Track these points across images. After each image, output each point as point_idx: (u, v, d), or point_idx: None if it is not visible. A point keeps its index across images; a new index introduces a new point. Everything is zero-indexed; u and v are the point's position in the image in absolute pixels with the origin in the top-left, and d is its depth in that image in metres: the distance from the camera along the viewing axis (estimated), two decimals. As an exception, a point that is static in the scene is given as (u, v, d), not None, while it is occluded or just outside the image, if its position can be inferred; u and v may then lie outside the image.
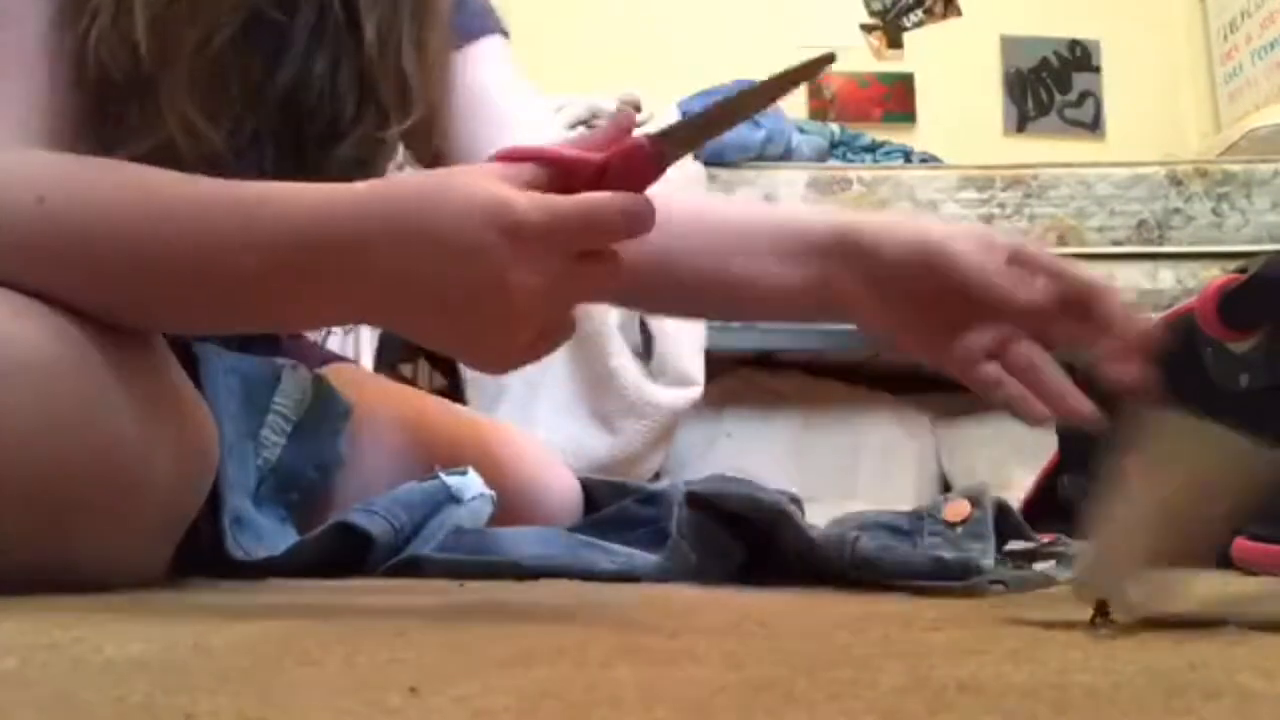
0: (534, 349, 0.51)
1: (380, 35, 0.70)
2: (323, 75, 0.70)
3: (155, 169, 0.54)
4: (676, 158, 0.49)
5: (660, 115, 2.15)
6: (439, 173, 0.53)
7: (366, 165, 0.74)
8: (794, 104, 2.86)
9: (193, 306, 0.54)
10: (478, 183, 0.47)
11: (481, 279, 0.46)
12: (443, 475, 0.77)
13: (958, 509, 0.64)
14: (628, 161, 0.47)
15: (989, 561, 0.59)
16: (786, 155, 2.18)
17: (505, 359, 0.51)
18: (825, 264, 0.62)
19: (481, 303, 0.47)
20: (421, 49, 0.73)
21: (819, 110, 2.99)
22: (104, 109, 0.61)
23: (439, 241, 0.47)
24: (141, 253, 0.52)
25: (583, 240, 0.48)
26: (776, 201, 2.03)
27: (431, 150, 0.76)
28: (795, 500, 0.69)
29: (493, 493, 0.79)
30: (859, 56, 3.11)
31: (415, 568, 0.67)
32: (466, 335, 0.50)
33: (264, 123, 0.70)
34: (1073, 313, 0.56)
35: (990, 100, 3.10)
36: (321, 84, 0.70)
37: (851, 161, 2.33)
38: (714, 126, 0.49)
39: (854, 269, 0.61)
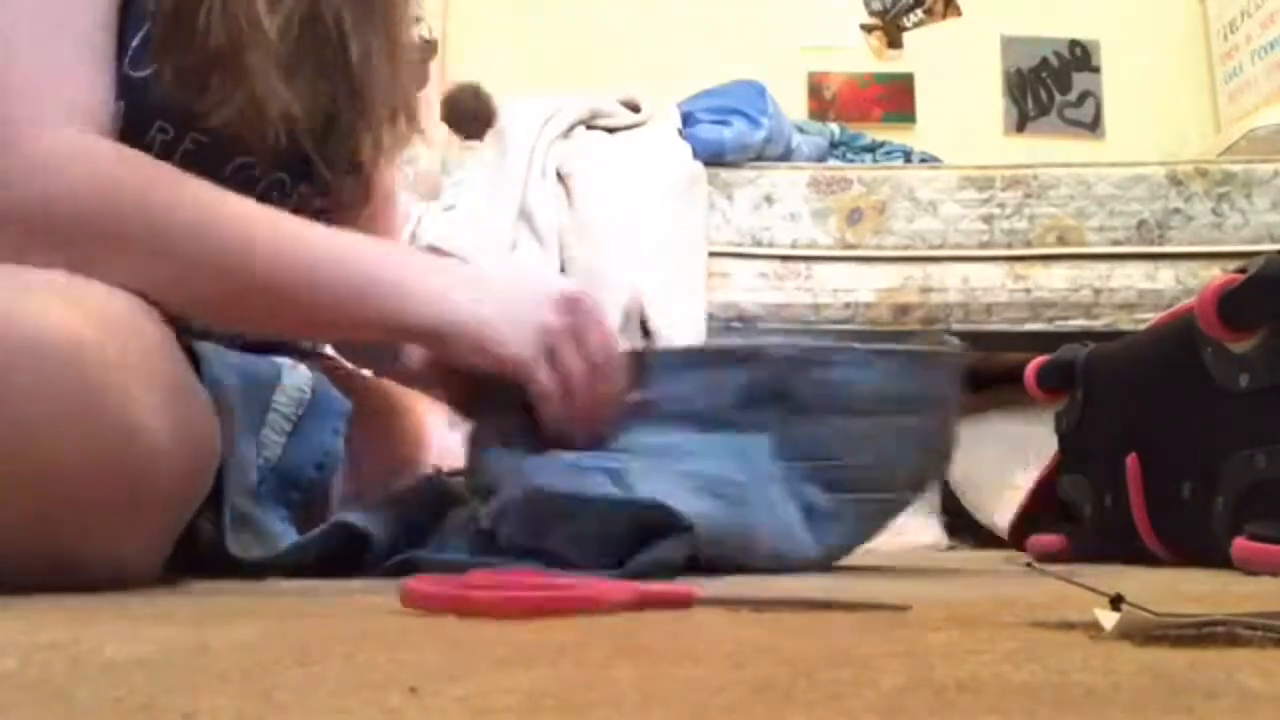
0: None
1: (364, 51, 0.77)
2: (317, 89, 0.75)
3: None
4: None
5: (660, 115, 2.15)
6: None
7: (360, 170, 0.83)
8: (794, 104, 2.86)
9: (285, 296, 0.64)
10: None
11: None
12: (442, 475, 0.77)
13: None
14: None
15: None
16: (786, 155, 2.18)
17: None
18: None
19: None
20: (393, 51, 0.80)
21: (819, 110, 2.99)
22: (185, 82, 0.67)
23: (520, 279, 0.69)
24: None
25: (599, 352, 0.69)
26: (776, 202, 2.03)
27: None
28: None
29: (492, 493, 0.79)
30: (859, 56, 3.11)
31: (415, 568, 0.67)
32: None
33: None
34: None
35: (990, 100, 3.10)
36: (317, 95, 0.75)
37: (851, 161, 2.33)
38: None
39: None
